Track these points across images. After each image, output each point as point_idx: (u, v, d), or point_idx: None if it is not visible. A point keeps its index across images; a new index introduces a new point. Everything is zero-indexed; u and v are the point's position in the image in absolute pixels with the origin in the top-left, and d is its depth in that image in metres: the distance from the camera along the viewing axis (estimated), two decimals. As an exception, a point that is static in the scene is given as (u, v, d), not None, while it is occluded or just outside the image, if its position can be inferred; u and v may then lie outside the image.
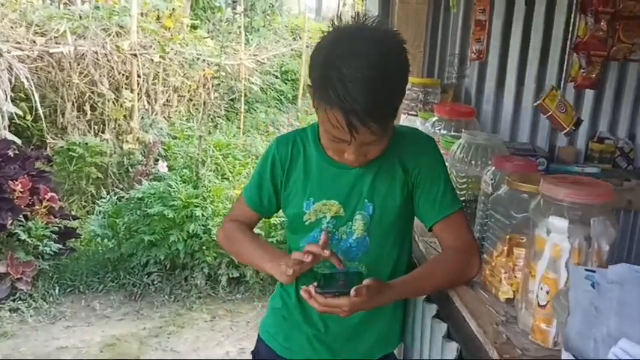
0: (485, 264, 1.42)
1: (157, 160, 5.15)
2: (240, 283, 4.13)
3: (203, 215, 4.02)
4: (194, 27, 7.55)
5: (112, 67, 5.60)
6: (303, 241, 1.46)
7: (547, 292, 1.13)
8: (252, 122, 7.50)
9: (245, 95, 7.29)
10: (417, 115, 2.61)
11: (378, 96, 1.19)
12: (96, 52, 5.46)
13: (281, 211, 1.57)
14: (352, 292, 1.22)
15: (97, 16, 5.87)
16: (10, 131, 4.77)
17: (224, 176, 5.06)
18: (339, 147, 1.33)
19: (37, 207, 3.92)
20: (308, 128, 1.51)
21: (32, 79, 4.99)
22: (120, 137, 5.62)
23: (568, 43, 2.61)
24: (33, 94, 4.91)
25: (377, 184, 1.43)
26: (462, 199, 1.60)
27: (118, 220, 4.20)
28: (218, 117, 7.14)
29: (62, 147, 5.16)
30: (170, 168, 4.89)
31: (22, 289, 3.70)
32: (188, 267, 4.08)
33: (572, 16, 2.57)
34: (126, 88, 5.68)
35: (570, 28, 2.61)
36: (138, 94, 5.77)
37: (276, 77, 8.84)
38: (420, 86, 2.74)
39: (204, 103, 6.90)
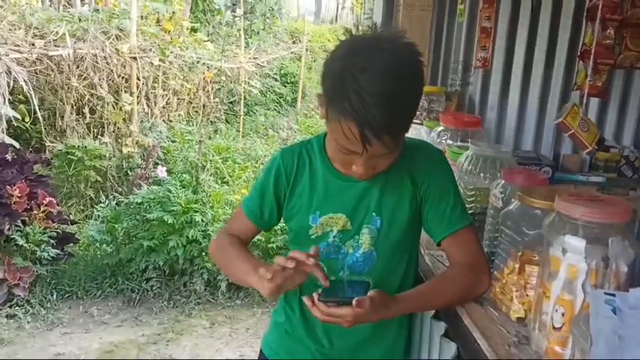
0: (496, 281, 1.39)
1: (157, 164, 5.12)
2: (239, 289, 4.10)
3: (203, 221, 3.99)
4: (194, 30, 7.54)
5: (112, 70, 5.58)
6: None
7: (562, 315, 1.10)
8: (252, 125, 7.48)
9: (244, 98, 7.27)
10: (421, 124, 2.59)
11: (393, 109, 1.16)
12: (95, 55, 5.44)
13: (283, 222, 1.53)
14: (354, 302, 1.19)
15: (97, 19, 5.84)
16: (8, 134, 4.74)
17: (224, 180, 5.03)
18: (348, 159, 1.29)
19: (35, 212, 3.89)
20: (313, 139, 1.47)
21: (31, 82, 4.97)
22: (119, 141, 5.60)
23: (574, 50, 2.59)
24: (32, 97, 4.88)
25: (385, 197, 1.39)
26: (470, 211, 1.57)
27: (116, 225, 4.17)
28: (218, 120, 7.11)
29: (61, 150, 5.13)
30: (169, 172, 4.86)
31: (19, 295, 3.66)
32: (187, 273, 4.04)
33: (579, 23, 2.54)
34: (125, 92, 5.65)
35: (575, 36, 2.60)
36: (137, 97, 5.75)
37: (276, 80, 8.83)
38: (424, 94, 2.70)
39: (204, 106, 6.88)
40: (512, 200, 1.42)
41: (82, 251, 4.42)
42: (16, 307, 3.66)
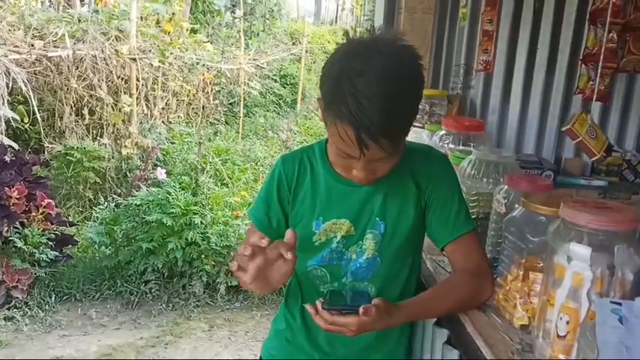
0: (499, 288, 1.37)
1: (156, 166, 5.11)
2: (239, 292, 4.09)
3: (202, 223, 3.98)
4: (194, 31, 7.53)
5: (111, 72, 5.56)
6: (311, 261, 1.42)
7: (567, 322, 1.08)
8: (251, 127, 7.47)
9: (244, 100, 7.26)
10: (423, 128, 2.58)
11: (390, 113, 1.14)
12: (95, 56, 5.42)
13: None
14: (361, 310, 1.17)
15: (96, 20, 5.83)
16: (7, 135, 4.72)
17: (223, 182, 5.02)
18: (347, 163, 1.28)
19: (34, 213, 3.88)
20: (315, 145, 1.46)
21: (30, 83, 4.95)
22: (118, 142, 5.59)
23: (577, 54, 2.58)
24: (31, 98, 4.87)
25: (389, 201, 1.38)
26: (472, 217, 1.55)
27: (115, 227, 4.16)
28: (217, 122, 7.10)
29: (60, 151, 5.12)
30: (169, 174, 4.84)
31: (17, 297, 3.65)
32: (186, 275, 4.03)
33: (581, 27, 2.54)
34: (125, 93, 5.64)
35: (577, 39, 2.60)
36: (137, 98, 5.74)
37: (275, 81, 8.82)
38: (426, 97, 2.70)
39: (204, 107, 6.87)
40: (516, 206, 1.40)
41: (81, 253, 4.41)
42: (14, 310, 3.64)
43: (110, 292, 3.98)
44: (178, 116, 6.52)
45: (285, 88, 9.03)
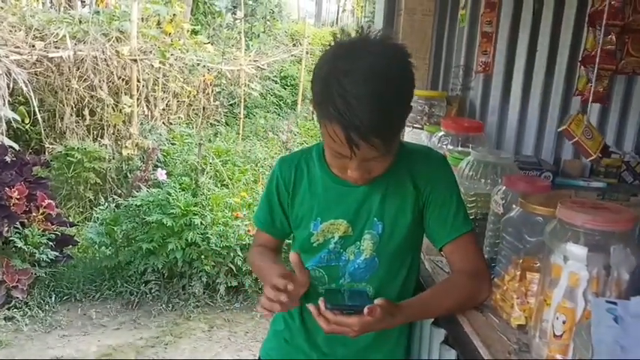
0: (496, 288, 1.38)
1: (156, 167, 5.12)
2: (238, 292, 4.10)
3: (202, 223, 3.98)
4: (194, 32, 7.54)
5: (112, 72, 5.58)
6: (310, 262, 1.42)
7: (563, 322, 1.09)
8: (252, 128, 7.48)
9: (244, 101, 7.27)
10: (422, 129, 2.58)
11: (379, 111, 1.15)
12: (95, 57, 5.43)
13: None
14: (366, 310, 1.17)
15: (97, 21, 5.84)
16: (8, 136, 4.73)
17: (223, 183, 5.03)
18: (341, 163, 1.29)
19: (34, 214, 3.88)
20: (313, 147, 1.47)
21: (31, 84, 4.96)
22: (119, 143, 5.60)
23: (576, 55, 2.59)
24: (31, 99, 4.88)
25: (387, 201, 1.38)
26: (470, 217, 1.56)
27: (115, 228, 4.16)
28: (217, 123, 7.11)
29: (60, 152, 5.13)
30: (169, 174, 4.85)
31: (17, 297, 3.65)
32: (186, 276, 4.04)
33: (580, 29, 2.54)
34: (125, 94, 5.65)
35: (576, 41, 2.60)
36: (137, 99, 5.75)
37: (276, 83, 8.83)
38: (425, 99, 2.71)
39: (204, 108, 6.88)
40: (514, 207, 1.41)
41: (81, 253, 4.41)
42: (15, 310, 3.65)
43: (110, 293, 3.99)
44: (179, 117, 6.53)
45: (285, 89, 9.04)
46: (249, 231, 4.01)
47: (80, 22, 5.81)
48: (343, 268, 1.41)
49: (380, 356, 1.48)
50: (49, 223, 3.95)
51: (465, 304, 1.37)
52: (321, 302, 1.21)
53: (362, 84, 1.14)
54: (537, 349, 1.17)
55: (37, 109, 5.02)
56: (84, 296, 3.95)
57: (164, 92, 6.22)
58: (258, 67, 7.74)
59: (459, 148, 2.11)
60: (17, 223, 3.78)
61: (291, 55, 9.15)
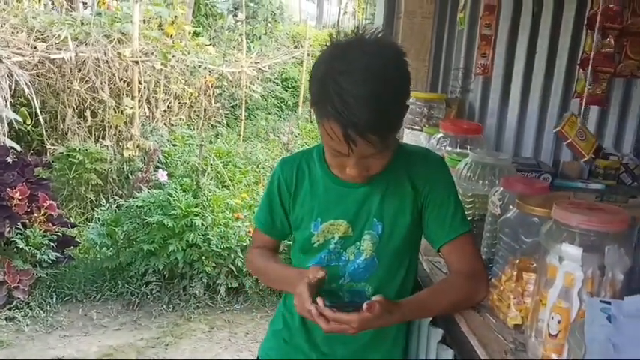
0: (493, 288, 1.39)
1: (157, 168, 5.13)
2: (239, 294, 4.11)
3: (203, 225, 4.00)
4: (196, 34, 7.55)
5: (114, 74, 5.59)
6: (310, 262, 1.44)
7: (558, 322, 1.10)
8: (253, 129, 7.49)
9: (246, 102, 7.28)
10: (421, 130, 2.59)
11: (376, 109, 1.17)
12: (97, 59, 5.45)
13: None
14: (364, 305, 1.19)
15: (99, 23, 5.87)
16: (10, 137, 4.75)
17: (224, 184, 5.04)
18: (340, 161, 1.31)
19: (36, 214, 3.90)
20: (314, 149, 1.49)
21: (33, 85, 4.98)
22: (120, 144, 5.61)
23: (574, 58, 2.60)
24: (33, 100, 4.90)
25: (386, 202, 1.40)
26: (468, 218, 1.57)
27: (117, 229, 4.18)
28: (219, 124, 7.13)
29: (62, 153, 5.15)
30: (170, 176, 4.87)
31: (18, 298, 3.67)
32: (187, 276, 4.05)
33: (579, 31, 2.56)
34: (127, 95, 5.67)
35: (575, 44, 2.62)
36: (139, 101, 5.76)
37: (277, 84, 8.85)
38: (424, 101, 2.71)
39: (205, 110, 6.89)
40: (510, 208, 1.42)
41: (82, 254, 4.43)
42: (16, 310, 3.66)
43: (111, 293, 4.00)
44: (180, 119, 6.55)
45: (286, 91, 9.06)
46: (249, 232, 4.02)
47: (82, 23, 5.83)
48: (343, 268, 1.42)
49: (378, 355, 1.49)
50: (50, 224, 3.97)
51: (462, 304, 1.38)
52: (319, 300, 1.22)
53: (358, 82, 1.16)
54: (533, 349, 1.18)
55: (38, 111, 5.04)
56: (85, 297, 3.97)
57: (165, 94, 6.24)
58: (260, 68, 7.75)
59: (458, 150, 2.13)
60: (19, 223, 3.79)
61: (293, 57, 9.17)
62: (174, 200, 4.06)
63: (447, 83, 2.99)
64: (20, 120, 4.94)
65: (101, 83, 5.51)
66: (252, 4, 9.55)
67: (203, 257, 3.97)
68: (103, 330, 3.66)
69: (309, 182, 1.45)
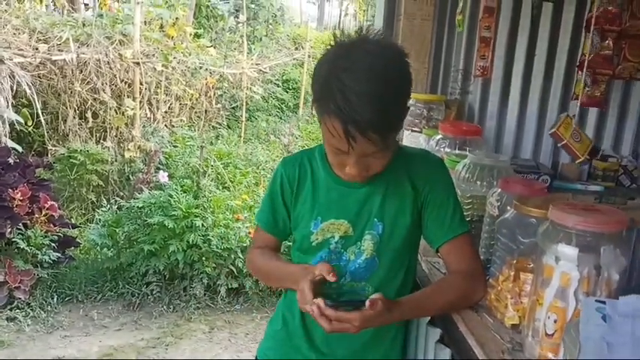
0: (491, 288, 1.40)
1: (158, 169, 5.15)
2: (239, 294, 4.12)
3: (203, 225, 4.01)
4: (197, 36, 7.58)
5: (115, 75, 5.61)
6: (310, 262, 1.44)
7: (555, 321, 1.11)
8: (254, 131, 7.51)
9: (246, 104, 7.30)
10: (420, 132, 2.60)
11: (377, 107, 1.18)
12: (98, 60, 5.47)
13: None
14: (367, 303, 1.20)
15: (101, 24, 5.89)
16: (11, 137, 4.76)
17: (224, 186, 5.05)
18: (340, 160, 1.32)
19: (37, 215, 3.91)
20: (316, 148, 1.50)
21: (34, 86, 5.00)
22: (121, 145, 5.63)
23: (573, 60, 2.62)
24: (35, 101, 4.91)
25: (387, 203, 1.41)
26: (467, 219, 1.58)
27: (117, 230, 4.19)
28: (219, 126, 7.14)
29: (63, 154, 5.16)
30: (171, 177, 4.88)
31: (19, 298, 3.68)
32: (187, 277, 4.06)
33: (578, 33, 2.57)
34: (128, 96, 5.69)
35: (574, 46, 2.63)
36: (140, 102, 5.78)
37: (278, 86, 8.87)
38: (424, 102, 2.73)
39: (206, 111, 6.91)
40: (508, 208, 1.43)
41: (83, 255, 4.44)
42: (17, 310, 3.67)
43: (112, 294, 4.01)
44: (181, 120, 6.57)
45: (287, 92, 9.08)
46: (250, 233, 4.03)
47: (83, 25, 5.85)
48: (344, 267, 1.43)
49: (377, 355, 1.50)
50: (51, 225, 3.98)
51: (459, 304, 1.39)
52: (320, 301, 1.23)
53: (361, 80, 1.18)
54: (530, 348, 1.19)
55: (40, 112, 5.05)
56: (86, 297, 3.98)
57: (166, 95, 6.26)
58: (260, 70, 7.78)
59: (457, 151, 2.14)
60: (20, 224, 3.81)
61: (294, 59, 9.20)
62: (174, 201, 4.07)
63: (446, 85, 3.01)
64: (22, 121, 4.96)
65: (102, 84, 5.53)
66: (253, 6, 9.58)
67: (203, 258, 3.98)
68: (103, 330, 3.67)
69: (311, 181, 1.46)
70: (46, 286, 3.91)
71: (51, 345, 3.46)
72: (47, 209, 3.94)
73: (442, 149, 2.20)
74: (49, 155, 5.30)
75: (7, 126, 4.69)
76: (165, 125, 6.24)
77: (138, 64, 5.65)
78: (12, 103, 4.81)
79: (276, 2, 10.65)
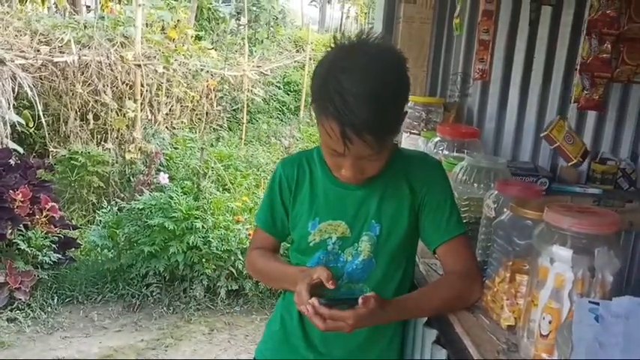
0: (487, 289, 1.41)
1: (159, 171, 5.16)
2: (239, 296, 4.13)
3: (203, 227, 4.02)
4: (198, 38, 7.60)
5: (116, 77, 5.63)
6: (308, 263, 1.46)
7: (549, 322, 1.12)
8: (254, 133, 7.53)
9: (247, 106, 7.32)
10: (419, 135, 2.61)
11: (374, 110, 1.19)
12: (100, 62, 5.49)
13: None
14: (360, 300, 1.21)
15: (102, 26, 5.91)
16: (12, 139, 4.78)
17: (225, 187, 5.06)
18: (337, 161, 1.33)
19: (38, 216, 3.92)
20: (314, 149, 1.51)
21: (36, 88, 5.02)
22: (122, 147, 5.64)
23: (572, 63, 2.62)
24: (36, 103, 4.93)
25: (384, 204, 1.42)
26: (464, 221, 1.59)
27: (118, 231, 4.20)
28: (220, 128, 7.16)
29: (64, 156, 5.18)
30: (171, 179, 4.89)
31: (20, 299, 3.69)
32: (187, 279, 4.07)
33: (577, 36, 2.58)
34: (129, 98, 5.70)
35: (573, 49, 2.64)
36: (141, 104, 5.79)
37: (279, 88, 8.89)
38: (422, 105, 2.73)
39: (207, 113, 6.93)
40: (504, 210, 1.44)
41: (84, 256, 4.45)
42: (17, 311, 3.68)
43: (112, 295, 4.02)
44: (182, 122, 6.58)
45: (288, 95, 9.10)
46: (250, 235, 4.04)
47: (85, 27, 5.88)
48: (341, 268, 1.44)
49: (374, 355, 1.50)
50: (52, 226, 3.99)
51: (455, 304, 1.40)
52: (314, 300, 1.24)
53: (359, 83, 1.19)
54: (525, 349, 1.20)
55: (41, 113, 5.07)
56: (86, 298, 3.99)
57: (167, 97, 6.28)
58: (262, 72, 7.79)
59: (454, 154, 2.14)
60: (21, 225, 3.82)
61: (295, 61, 9.22)
62: (175, 203, 4.08)
63: (445, 88, 3.01)
64: (23, 122, 4.97)
65: (103, 86, 5.55)
66: (254, 8, 9.60)
67: (203, 260, 3.99)
68: (103, 331, 3.68)
69: (309, 181, 1.47)
70: (46, 287, 3.92)
71: (51, 346, 3.47)
72: (48, 210, 3.95)
73: (440, 152, 2.21)
74: (50, 157, 5.32)
75: (9, 127, 4.71)
76: (166, 127, 6.26)
77: (139, 66, 5.67)
78: (13, 104, 4.83)
79: (277, 5, 10.67)
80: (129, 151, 5.51)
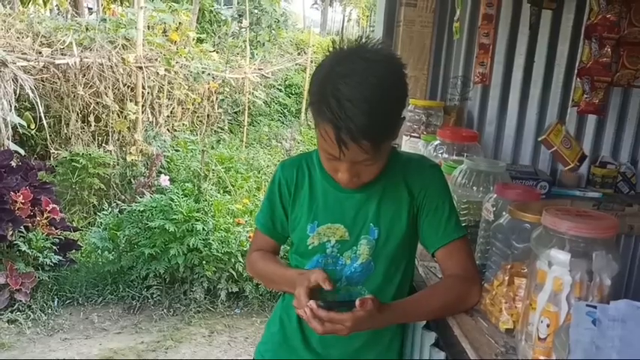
0: (486, 292, 1.41)
1: (160, 173, 5.17)
2: (239, 298, 4.13)
3: (204, 229, 4.02)
4: (200, 41, 7.61)
5: (117, 79, 5.64)
6: (307, 266, 1.46)
7: (547, 325, 1.12)
8: (255, 135, 7.54)
9: (249, 108, 7.33)
10: (419, 138, 2.62)
11: (370, 115, 1.19)
12: (101, 64, 5.50)
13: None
14: (357, 302, 1.21)
15: (104, 29, 5.92)
16: (14, 141, 4.79)
17: (226, 190, 5.07)
18: (333, 165, 1.33)
19: (38, 218, 3.93)
20: (314, 152, 1.51)
21: (37, 90, 5.03)
22: (123, 149, 5.65)
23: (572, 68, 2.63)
24: (37, 105, 4.94)
25: (383, 208, 1.42)
26: (463, 224, 1.59)
27: (118, 233, 4.21)
28: (221, 130, 7.17)
29: (65, 157, 5.19)
30: (172, 181, 4.90)
31: (20, 301, 3.69)
32: (187, 281, 4.07)
33: (577, 41, 2.59)
34: (130, 101, 5.71)
35: (573, 53, 2.65)
36: (142, 106, 5.80)
37: (280, 91, 8.89)
38: (422, 108, 2.74)
39: (208, 116, 6.94)
40: (503, 214, 1.45)
41: (84, 258, 4.46)
42: (18, 313, 3.69)
43: (112, 297, 4.02)
44: (183, 124, 6.59)
45: (289, 97, 9.11)
46: (250, 237, 4.04)
47: (87, 29, 5.88)
48: (340, 272, 1.44)
49: (373, 357, 1.51)
50: (52, 228, 4.00)
51: (454, 308, 1.40)
52: (312, 303, 1.24)
53: (356, 88, 1.19)
54: (523, 352, 1.20)
55: (42, 115, 5.08)
56: (86, 300, 3.99)
57: (169, 99, 6.29)
58: (263, 75, 7.80)
59: (454, 157, 2.15)
60: (21, 227, 3.83)
61: (296, 64, 9.23)
62: (175, 205, 4.08)
63: (445, 91, 3.02)
64: (24, 124, 4.98)
65: (105, 88, 5.56)
66: (256, 11, 9.61)
67: (204, 262, 3.99)
68: (103, 333, 3.69)
69: (308, 184, 1.47)
70: (46, 289, 3.92)
71: (51, 347, 3.48)
72: (49, 212, 3.96)
73: (440, 155, 2.21)
74: (52, 158, 5.33)
75: (10, 129, 4.72)
76: (168, 129, 6.27)
77: (140, 68, 5.68)
78: (15, 106, 4.84)
79: (279, 7, 10.69)
80: (130, 153, 5.52)
